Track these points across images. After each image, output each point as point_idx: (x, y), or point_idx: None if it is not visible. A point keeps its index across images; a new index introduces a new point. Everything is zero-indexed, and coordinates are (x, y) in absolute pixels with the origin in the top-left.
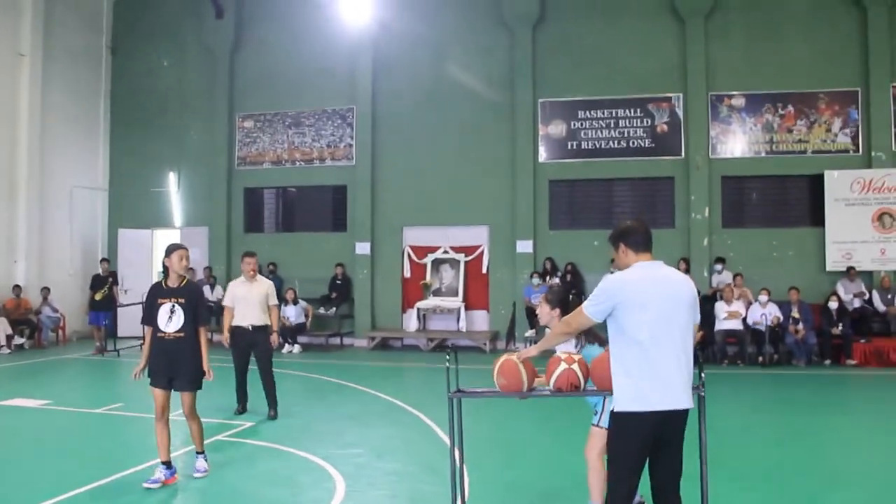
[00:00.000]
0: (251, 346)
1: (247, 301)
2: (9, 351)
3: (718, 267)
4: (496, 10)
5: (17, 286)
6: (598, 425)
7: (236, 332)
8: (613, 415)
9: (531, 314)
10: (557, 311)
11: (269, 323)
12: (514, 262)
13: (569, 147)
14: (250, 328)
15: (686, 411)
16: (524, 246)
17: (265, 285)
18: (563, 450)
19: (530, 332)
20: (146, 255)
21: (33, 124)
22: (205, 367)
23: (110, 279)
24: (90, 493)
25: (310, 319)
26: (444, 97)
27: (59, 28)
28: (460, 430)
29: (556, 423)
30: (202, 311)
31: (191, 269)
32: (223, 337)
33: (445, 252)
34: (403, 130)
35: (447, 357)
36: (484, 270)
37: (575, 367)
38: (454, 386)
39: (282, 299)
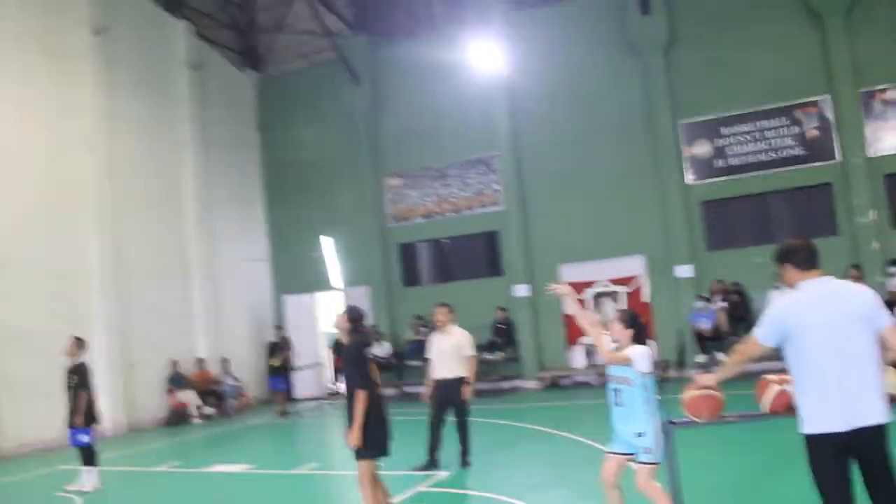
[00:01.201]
0: (447, 398)
1: (441, 352)
2: (199, 421)
3: (893, 269)
4: (624, 39)
5: (199, 359)
6: (644, 462)
7: (434, 384)
8: (804, 438)
9: (700, 339)
10: (630, 331)
11: (465, 374)
12: (676, 288)
13: (716, 165)
14: (445, 380)
15: (880, 427)
16: (684, 271)
17: (458, 336)
18: (772, 479)
19: (702, 358)
20: (310, 318)
21: (199, 206)
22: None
23: (284, 345)
24: None
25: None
26: (583, 131)
27: (213, 115)
28: (676, 463)
29: (756, 448)
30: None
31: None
32: (423, 391)
33: (605, 286)
34: (547, 169)
35: (657, 388)
36: (645, 300)
37: (788, 387)
38: (664, 418)
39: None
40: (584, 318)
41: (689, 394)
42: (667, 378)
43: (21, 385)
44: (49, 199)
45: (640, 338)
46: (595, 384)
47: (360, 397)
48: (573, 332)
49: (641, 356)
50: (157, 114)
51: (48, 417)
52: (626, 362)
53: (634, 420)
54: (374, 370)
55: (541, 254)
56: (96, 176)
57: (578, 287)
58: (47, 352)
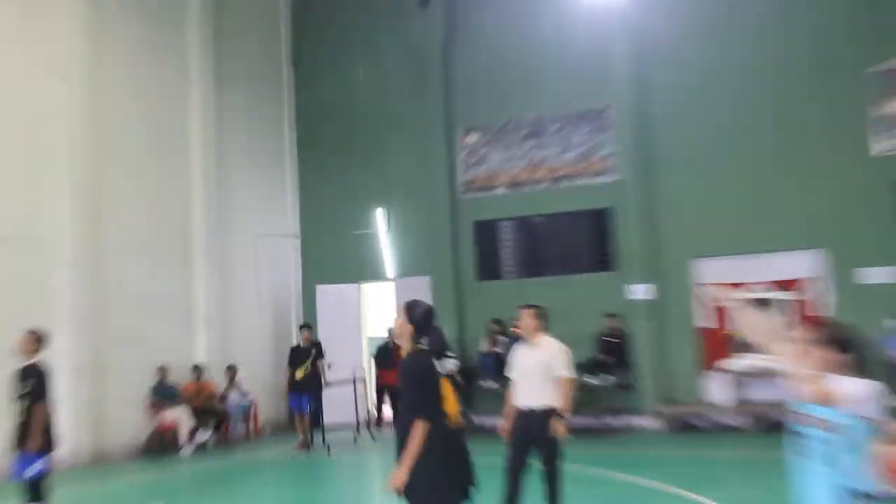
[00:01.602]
0: (532, 435)
1: (526, 372)
2: (192, 450)
3: None
4: None
5: (197, 366)
6: None
7: (516, 416)
8: None
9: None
10: (836, 354)
11: (558, 404)
12: (860, 299)
13: None
14: (531, 410)
15: None
16: (874, 275)
17: (550, 350)
18: None
19: None
20: (353, 317)
21: (208, 166)
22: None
23: (313, 351)
24: None
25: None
26: (739, 81)
27: (231, 46)
28: None
29: None
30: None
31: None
32: (501, 423)
33: (762, 290)
34: (682, 128)
35: (827, 443)
36: (816, 312)
37: None
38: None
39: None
40: (763, 327)
41: (887, 450)
42: None
43: None
44: (4, 145)
45: (855, 365)
46: (745, 428)
47: (419, 429)
48: (712, 351)
49: (865, 393)
50: (156, 38)
51: None
52: (839, 402)
53: (832, 487)
54: (448, 391)
55: (669, 243)
56: (70, 116)
57: (723, 290)
58: None
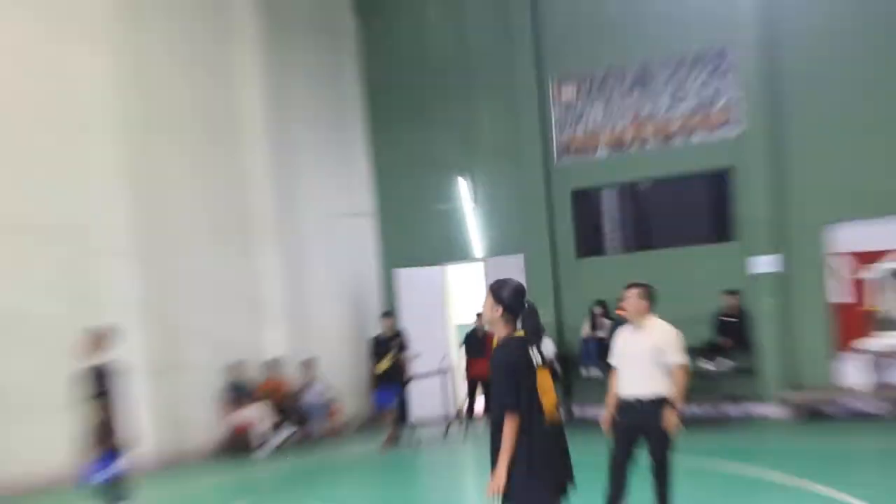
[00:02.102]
0: (639, 427)
1: (630, 359)
2: (271, 449)
3: None
4: None
5: (272, 360)
6: None
7: (619, 406)
8: None
9: None
10: None
11: (669, 392)
12: None
13: None
14: (638, 400)
15: None
16: None
17: (660, 333)
18: None
19: None
20: (438, 302)
21: (267, 137)
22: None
23: (396, 341)
24: None
25: None
26: (885, 20)
27: None
28: None
29: None
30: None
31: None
32: (604, 415)
33: None
34: (817, 76)
35: None
36: None
37: None
38: None
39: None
40: None
41: None
42: None
43: (13, 394)
44: (44, 129)
45: None
46: (884, 415)
47: (510, 425)
48: (847, 330)
49: None
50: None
51: (52, 440)
52: None
53: None
54: (546, 381)
55: (800, 207)
56: (104, 90)
57: (863, 260)
58: (49, 346)
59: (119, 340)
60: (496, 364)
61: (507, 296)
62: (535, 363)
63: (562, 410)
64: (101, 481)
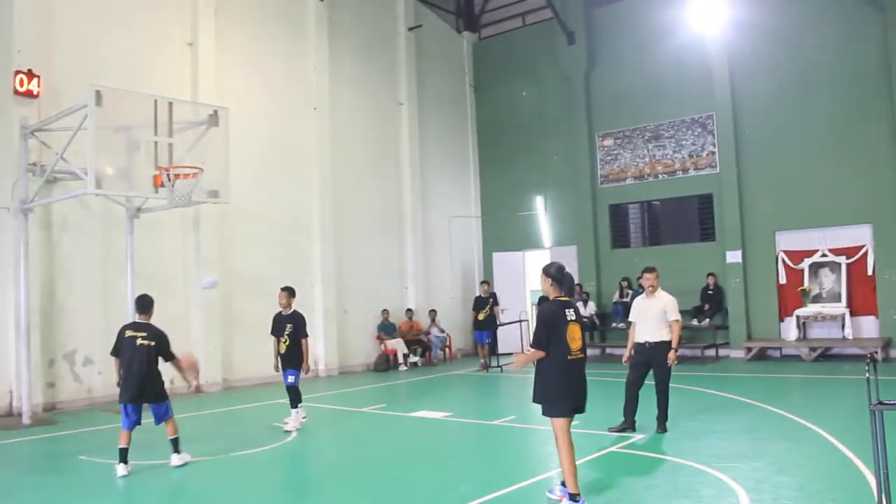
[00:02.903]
0: (648, 362)
1: (644, 315)
2: (406, 368)
3: None
4: None
5: (409, 309)
6: None
7: (635, 348)
8: None
9: None
10: None
11: (669, 338)
12: None
13: None
14: (647, 344)
15: None
16: None
17: (664, 299)
18: None
19: None
20: (519, 276)
21: (414, 164)
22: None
23: (490, 299)
24: (513, 493)
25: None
26: (809, 90)
27: (428, 76)
28: (884, 446)
29: None
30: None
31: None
32: (625, 353)
33: (823, 255)
34: (768, 130)
35: (867, 367)
36: (869, 272)
37: None
38: (874, 398)
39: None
40: None
41: None
42: (887, 359)
43: (249, 324)
44: (278, 157)
45: None
46: (806, 359)
47: (537, 354)
48: (786, 303)
49: None
50: (376, 75)
51: (269, 355)
52: None
53: None
54: (575, 331)
55: (756, 219)
56: (319, 136)
57: (795, 256)
58: (272, 295)
59: (297, 296)
60: (539, 315)
61: (553, 272)
62: (567, 318)
63: (586, 351)
64: (289, 384)
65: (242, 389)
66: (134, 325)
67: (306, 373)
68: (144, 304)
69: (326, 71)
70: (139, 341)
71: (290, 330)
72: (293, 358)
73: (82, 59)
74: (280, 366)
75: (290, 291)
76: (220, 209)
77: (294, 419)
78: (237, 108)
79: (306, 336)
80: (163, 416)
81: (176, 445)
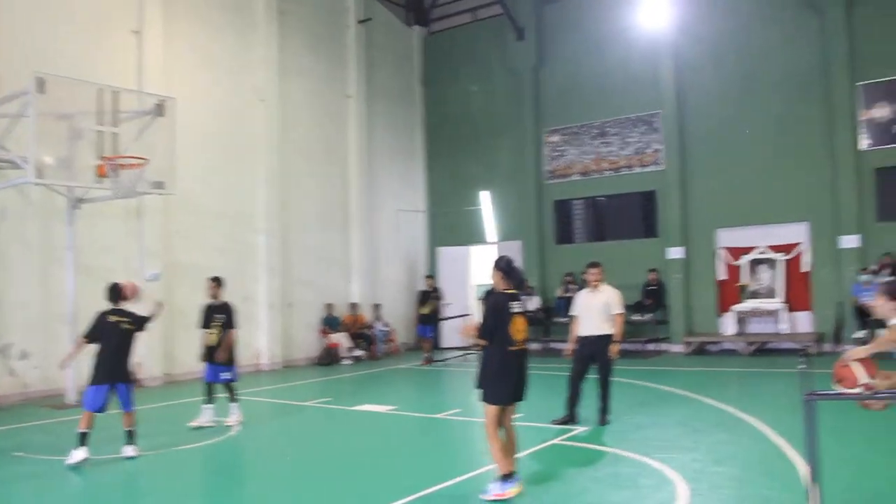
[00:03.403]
0: (591, 355)
1: (588, 309)
2: (349, 362)
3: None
4: None
5: (353, 303)
6: None
7: (578, 341)
8: None
9: (861, 314)
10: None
11: (612, 332)
12: (839, 260)
13: (895, 131)
14: (590, 338)
15: None
16: (849, 241)
17: (608, 294)
18: None
19: (861, 333)
20: (464, 270)
21: (361, 158)
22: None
23: (435, 294)
24: (456, 486)
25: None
26: (751, 91)
27: (378, 71)
28: (815, 436)
29: None
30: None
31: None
32: (568, 346)
33: (762, 252)
34: (712, 130)
35: (800, 360)
36: (805, 269)
37: None
38: (808, 389)
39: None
40: (881, 345)
41: (839, 364)
42: (821, 353)
43: (192, 317)
44: (225, 149)
45: None
46: (743, 353)
47: (482, 342)
48: (725, 299)
49: None
50: (325, 68)
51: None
52: None
53: None
54: (518, 323)
55: (698, 217)
56: (267, 127)
57: (735, 252)
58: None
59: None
60: (486, 304)
61: (503, 265)
62: (512, 310)
63: (525, 343)
64: (221, 381)
65: (185, 384)
66: (118, 312)
67: (224, 363)
68: (118, 291)
69: (275, 62)
70: (124, 326)
71: (224, 320)
72: (223, 352)
73: (24, 45)
74: (206, 358)
75: (218, 281)
76: (165, 200)
77: (236, 413)
78: (184, 98)
79: (235, 327)
80: (130, 402)
81: (132, 437)
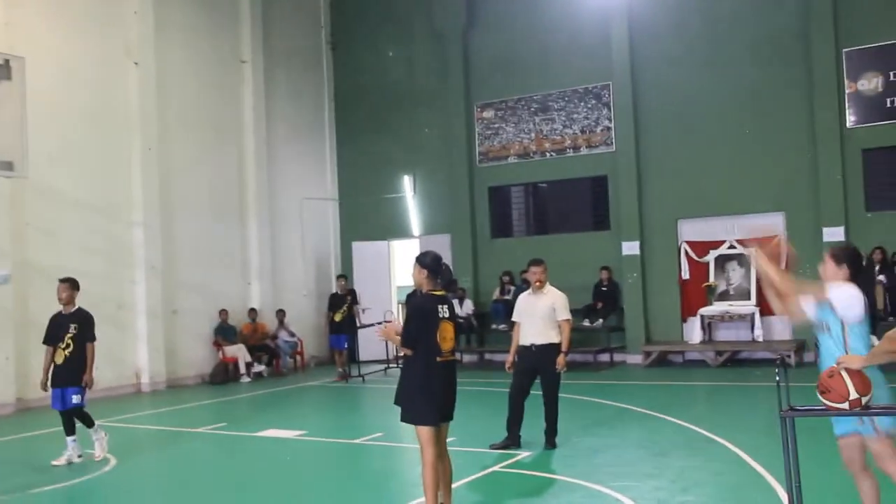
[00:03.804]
0: (535, 367)
1: (531, 315)
2: (249, 379)
3: None
4: None
5: (252, 309)
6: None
7: (519, 352)
8: None
9: None
10: (845, 268)
11: (558, 341)
12: (823, 255)
13: (888, 105)
14: (533, 347)
15: None
16: (833, 233)
17: (552, 297)
18: None
19: None
20: (384, 269)
21: (259, 136)
22: None
23: (349, 298)
24: None
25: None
26: (719, 62)
27: (277, 30)
28: (795, 455)
29: None
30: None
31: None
32: (508, 358)
33: (732, 247)
34: (672, 106)
35: (776, 371)
36: (782, 266)
37: None
38: (785, 404)
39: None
40: (874, 357)
41: (826, 373)
42: (801, 363)
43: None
44: (89, 121)
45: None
46: (712, 364)
47: (405, 352)
48: (690, 301)
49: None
50: (213, 26)
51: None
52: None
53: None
54: (447, 330)
55: (656, 206)
56: (141, 94)
57: (700, 247)
58: (83, 294)
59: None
60: (409, 308)
61: (428, 262)
62: (440, 315)
63: (455, 352)
64: (73, 406)
65: (42, 410)
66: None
67: (90, 387)
68: None
69: (151, 17)
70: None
71: (75, 332)
72: (76, 370)
73: None
74: (51, 382)
75: (72, 283)
76: (14, 186)
77: (102, 440)
78: (35, 59)
79: (94, 339)
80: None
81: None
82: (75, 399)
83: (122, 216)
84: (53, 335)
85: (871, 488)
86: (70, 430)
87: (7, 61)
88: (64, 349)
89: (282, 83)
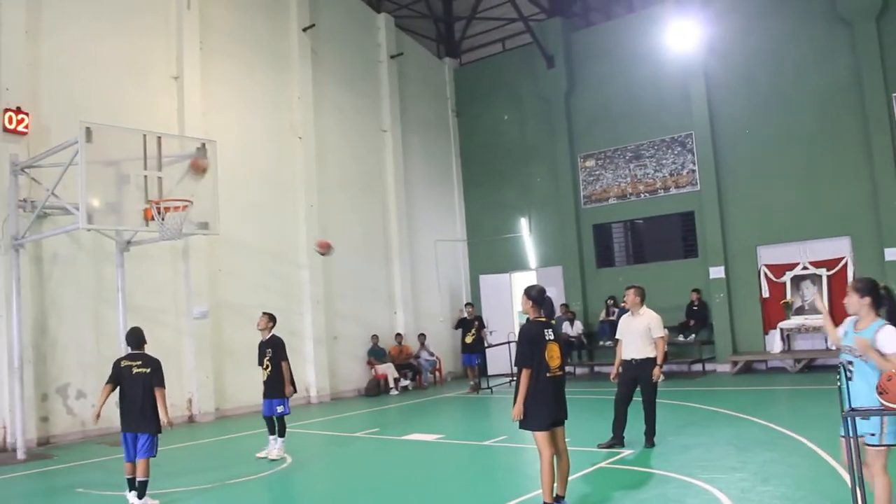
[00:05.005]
0: (635, 378)
1: (630, 334)
2: (396, 392)
3: None
4: (830, 8)
5: (398, 334)
6: (879, 445)
7: (622, 365)
8: None
9: None
10: (868, 300)
11: (654, 355)
12: (886, 273)
13: None
14: (633, 361)
15: None
16: (894, 253)
17: (649, 317)
18: None
19: None
20: (506, 297)
21: (399, 190)
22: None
23: (476, 322)
24: None
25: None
26: (785, 107)
27: (411, 104)
28: (857, 450)
29: None
30: None
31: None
32: (612, 371)
33: (805, 268)
34: (747, 147)
35: (837, 377)
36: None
37: None
38: (847, 405)
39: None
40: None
41: (885, 376)
42: None
43: (240, 353)
44: (265, 187)
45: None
46: (791, 370)
47: (522, 375)
48: (770, 316)
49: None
50: (359, 103)
51: (260, 383)
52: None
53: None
54: (553, 350)
55: (738, 235)
56: (304, 162)
57: (777, 269)
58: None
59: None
60: (520, 335)
61: (534, 294)
62: (546, 338)
63: (565, 368)
64: (275, 415)
65: (235, 418)
66: (129, 356)
67: (290, 395)
68: (136, 337)
69: (311, 100)
70: (135, 370)
71: (271, 354)
72: (277, 385)
73: (70, 95)
74: (264, 393)
75: (269, 316)
76: (209, 240)
77: (279, 447)
78: (224, 140)
79: (286, 359)
80: (144, 451)
81: (143, 489)
82: (279, 409)
83: (292, 260)
84: (259, 358)
85: (884, 489)
86: (272, 431)
87: (203, 144)
88: (265, 369)
89: (416, 146)
